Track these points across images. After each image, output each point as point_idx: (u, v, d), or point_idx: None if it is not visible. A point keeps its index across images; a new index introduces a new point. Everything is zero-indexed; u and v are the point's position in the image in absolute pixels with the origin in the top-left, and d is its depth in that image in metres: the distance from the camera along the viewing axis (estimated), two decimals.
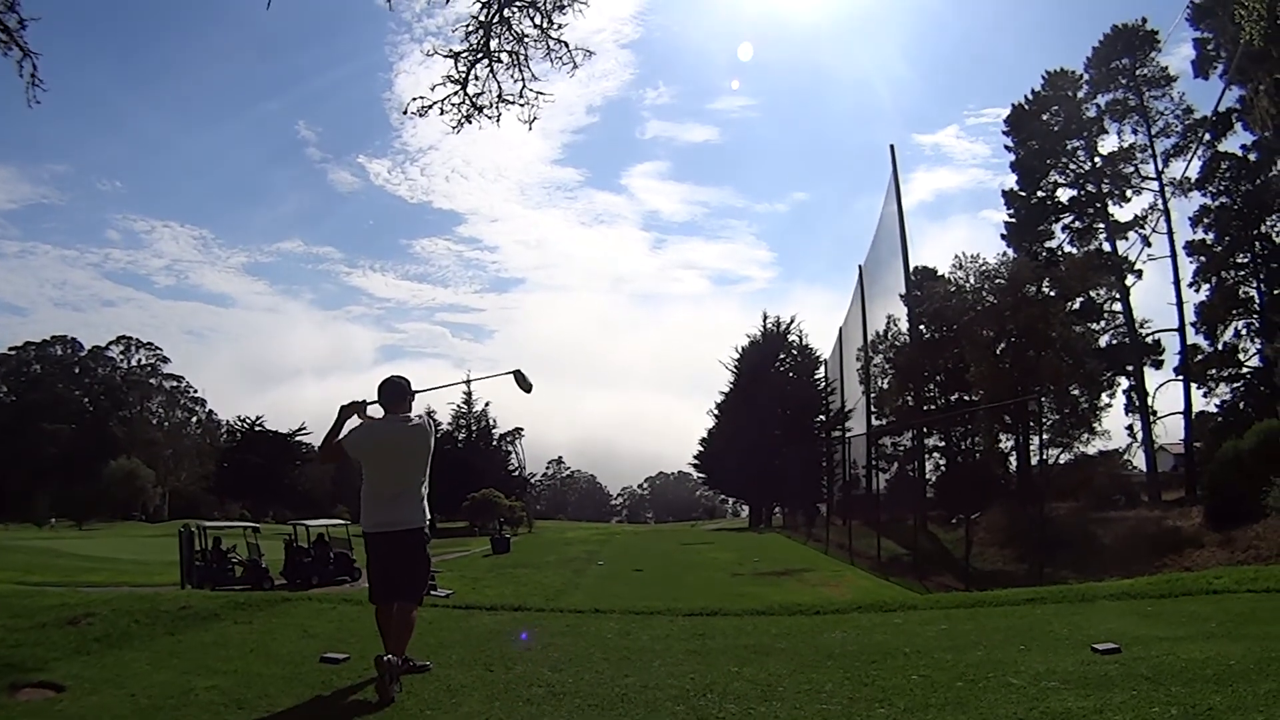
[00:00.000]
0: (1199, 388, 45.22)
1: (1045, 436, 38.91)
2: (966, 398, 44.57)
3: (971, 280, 41.84)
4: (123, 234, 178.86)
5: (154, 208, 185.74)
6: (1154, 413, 45.87)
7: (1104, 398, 43.60)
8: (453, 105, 11.84)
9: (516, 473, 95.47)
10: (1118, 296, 47.60)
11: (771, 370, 70.08)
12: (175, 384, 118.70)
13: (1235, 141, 44.82)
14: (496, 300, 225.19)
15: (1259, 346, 43.19)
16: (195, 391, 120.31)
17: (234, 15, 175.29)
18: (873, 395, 44.97)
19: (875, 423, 44.53)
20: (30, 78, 9.94)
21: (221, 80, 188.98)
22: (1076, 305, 45.08)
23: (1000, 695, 6.23)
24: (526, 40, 11.63)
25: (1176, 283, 45.56)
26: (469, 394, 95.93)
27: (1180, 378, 45.39)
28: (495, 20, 11.47)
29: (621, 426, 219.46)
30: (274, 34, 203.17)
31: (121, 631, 9.34)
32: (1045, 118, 51.11)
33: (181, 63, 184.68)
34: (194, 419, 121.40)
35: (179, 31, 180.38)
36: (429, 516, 7.66)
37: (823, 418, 64.41)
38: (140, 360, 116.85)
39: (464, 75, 11.75)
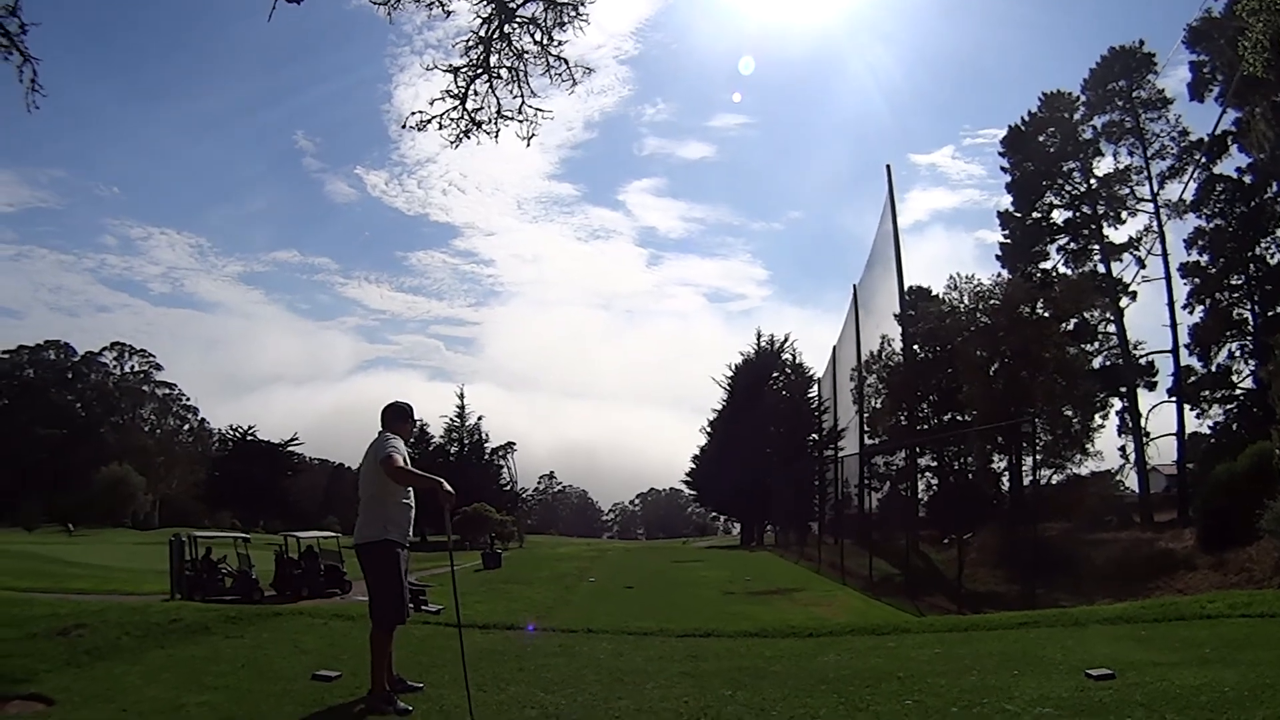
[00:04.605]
0: (1192, 409, 45.27)
1: (1038, 457, 38.84)
2: (959, 418, 44.52)
3: (966, 301, 41.88)
4: (119, 240, 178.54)
5: (151, 214, 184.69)
6: (1147, 434, 45.79)
7: (1097, 419, 43.65)
8: (451, 120, 11.79)
9: (508, 487, 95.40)
10: (1112, 318, 47.62)
11: (765, 388, 69.90)
12: (168, 391, 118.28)
13: (1230, 164, 44.95)
14: (491, 313, 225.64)
15: (1252, 368, 43.08)
16: (187, 399, 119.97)
17: (235, 25, 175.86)
18: (866, 414, 44.88)
19: (868, 442, 44.44)
20: (30, 83, 9.93)
21: (221, 90, 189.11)
22: (1070, 326, 44.99)
23: None
24: (526, 56, 11.60)
25: (1170, 304, 45.56)
26: (461, 407, 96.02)
27: (1174, 399, 45.35)
28: (495, 36, 11.45)
29: (611, 440, 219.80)
30: (275, 45, 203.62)
31: (112, 644, 9.32)
32: (1041, 139, 51.12)
33: (182, 72, 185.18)
34: (186, 427, 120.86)
35: (180, 41, 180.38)
36: (390, 534, 7.46)
37: (815, 436, 64.17)
38: (133, 367, 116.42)
39: (463, 90, 11.72)
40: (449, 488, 7.24)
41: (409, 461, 7.65)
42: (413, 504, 7.66)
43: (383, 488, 7.43)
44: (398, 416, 7.91)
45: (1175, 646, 8.55)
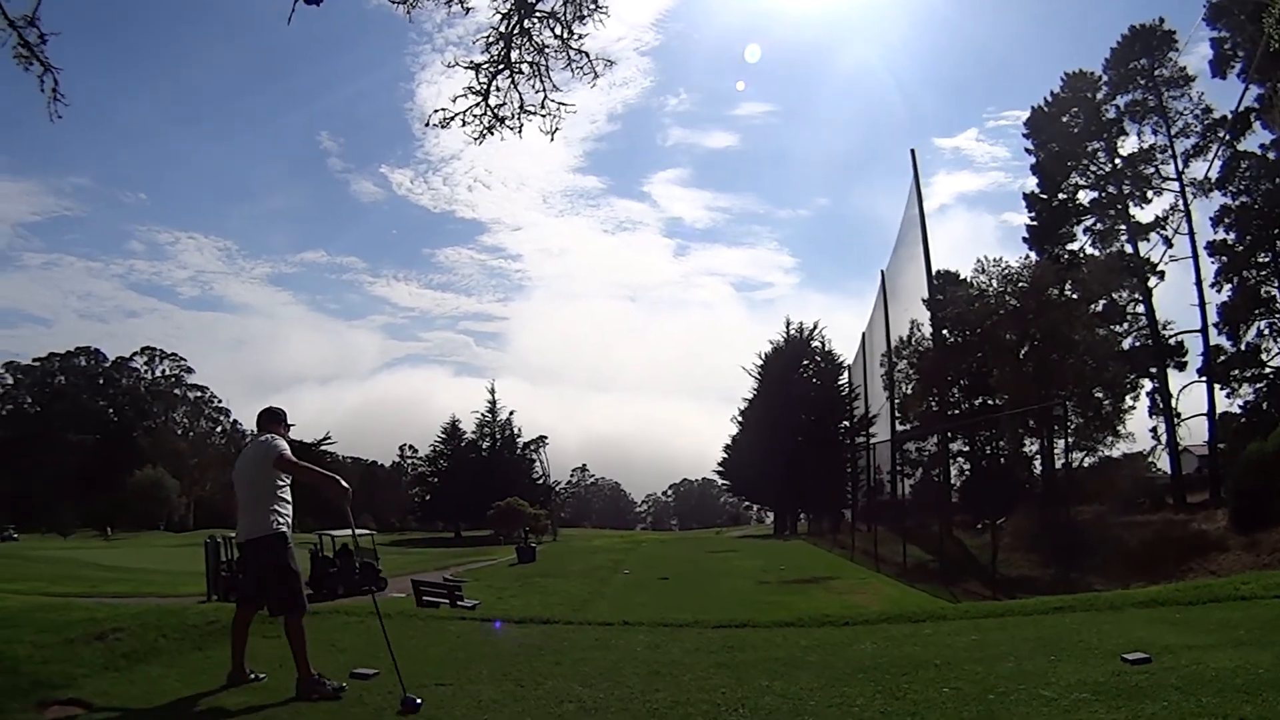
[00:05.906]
0: (1222, 389, 44.99)
1: (1070, 440, 38.68)
2: (990, 402, 44.38)
3: (994, 284, 41.64)
4: (146, 245, 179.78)
5: (177, 219, 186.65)
6: (1177, 414, 45.51)
7: (1127, 400, 43.39)
8: (474, 117, 11.84)
9: (541, 481, 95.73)
10: (1140, 298, 47.33)
11: (795, 376, 69.82)
12: (199, 394, 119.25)
13: (1255, 141, 44.67)
14: (518, 308, 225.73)
15: None
16: (219, 401, 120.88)
17: (256, 28, 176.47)
18: (896, 400, 44.77)
19: (899, 428, 44.33)
20: (51, 92, 9.98)
21: (244, 92, 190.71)
22: (1099, 307, 44.79)
23: (1032, 708, 6.21)
24: (547, 51, 11.63)
25: (1198, 283, 45.32)
26: (493, 402, 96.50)
27: (1203, 379, 45.08)
28: (516, 31, 11.47)
29: (642, 432, 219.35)
30: (296, 46, 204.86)
31: (149, 647, 9.38)
32: (1065, 119, 50.82)
33: (204, 75, 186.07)
34: (218, 429, 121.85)
35: (201, 45, 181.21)
36: (282, 526, 7.86)
37: (847, 423, 64.13)
38: (164, 371, 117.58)
39: (485, 86, 11.75)
40: (344, 483, 7.74)
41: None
42: (290, 499, 8.04)
43: (269, 485, 7.80)
44: (272, 420, 8.28)
45: (1210, 629, 8.52)
